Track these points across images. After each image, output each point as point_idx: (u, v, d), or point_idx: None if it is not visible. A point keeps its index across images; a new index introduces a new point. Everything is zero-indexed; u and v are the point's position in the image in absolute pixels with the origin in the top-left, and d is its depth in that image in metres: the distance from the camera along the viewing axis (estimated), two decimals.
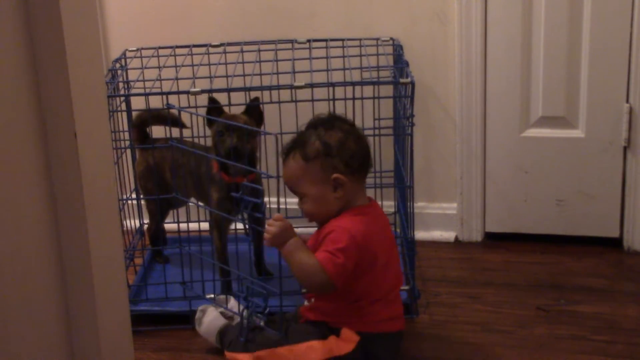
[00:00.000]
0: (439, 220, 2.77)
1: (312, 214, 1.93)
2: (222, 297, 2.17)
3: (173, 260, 2.55)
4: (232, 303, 2.14)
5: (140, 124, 2.41)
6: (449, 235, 2.77)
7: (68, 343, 1.27)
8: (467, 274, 2.54)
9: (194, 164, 2.32)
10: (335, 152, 1.88)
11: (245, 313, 1.98)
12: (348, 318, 1.90)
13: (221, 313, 2.12)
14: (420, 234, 2.67)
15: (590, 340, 2.14)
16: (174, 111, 2.24)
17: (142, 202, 2.60)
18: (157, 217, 2.48)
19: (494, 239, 2.74)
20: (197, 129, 2.32)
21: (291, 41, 2.56)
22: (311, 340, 1.88)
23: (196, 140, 2.39)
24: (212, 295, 2.24)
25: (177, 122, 2.31)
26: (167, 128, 2.38)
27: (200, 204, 2.37)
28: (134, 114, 2.45)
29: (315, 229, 1.96)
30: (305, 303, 1.99)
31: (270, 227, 1.85)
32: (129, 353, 1.44)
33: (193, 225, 2.44)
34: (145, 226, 2.65)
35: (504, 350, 2.11)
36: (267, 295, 1.95)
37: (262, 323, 2.00)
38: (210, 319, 2.11)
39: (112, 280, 1.35)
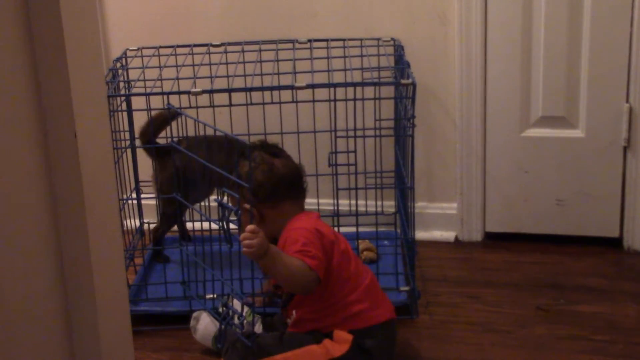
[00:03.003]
0: (439, 220, 2.77)
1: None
2: (225, 297, 2.17)
3: (173, 260, 2.55)
4: (236, 303, 2.14)
5: (144, 136, 2.40)
6: (449, 235, 2.77)
7: (68, 343, 1.27)
8: (467, 274, 2.54)
9: (224, 157, 2.20)
10: (245, 182, 1.91)
11: (227, 318, 1.99)
12: (334, 318, 1.91)
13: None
14: (420, 234, 2.67)
15: (590, 340, 2.14)
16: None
17: (158, 204, 2.55)
18: (171, 221, 2.49)
19: (494, 239, 2.74)
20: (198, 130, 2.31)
21: (292, 41, 2.56)
22: (308, 345, 1.89)
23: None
24: (213, 296, 2.24)
25: (175, 115, 2.29)
26: (169, 128, 2.38)
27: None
28: (137, 131, 2.43)
29: None
30: (287, 320, 2.00)
31: (251, 241, 1.77)
32: (129, 353, 1.44)
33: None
34: (145, 226, 2.65)
35: (504, 350, 2.11)
36: (252, 305, 1.96)
37: (258, 327, 1.99)
38: (204, 325, 2.11)
39: (112, 280, 1.35)
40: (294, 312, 1.97)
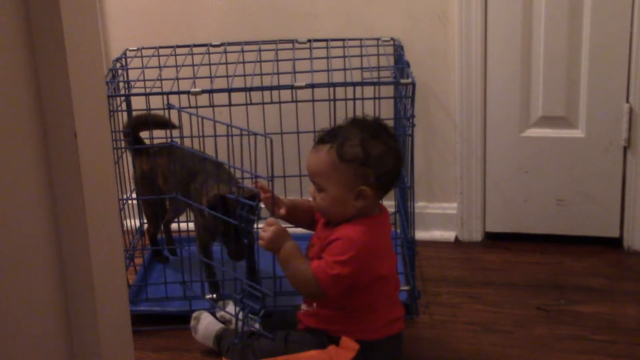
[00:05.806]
0: (439, 220, 2.77)
1: (325, 211, 1.89)
2: (222, 301, 2.17)
3: (173, 260, 2.55)
4: (231, 306, 2.14)
5: (134, 128, 2.40)
6: (449, 235, 2.77)
7: (68, 343, 1.27)
8: (467, 274, 2.54)
9: (185, 175, 2.27)
10: (372, 163, 1.84)
11: (240, 315, 1.97)
12: (348, 326, 1.89)
13: (218, 317, 2.12)
14: (420, 234, 2.67)
15: (590, 340, 2.14)
16: (163, 114, 2.25)
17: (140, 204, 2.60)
18: (154, 221, 2.49)
19: (494, 239, 2.74)
20: (196, 130, 2.31)
21: (292, 41, 2.56)
22: (311, 350, 1.88)
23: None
24: (212, 296, 2.23)
25: (167, 124, 2.31)
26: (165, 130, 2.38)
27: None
28: (127, 119, 2.45)
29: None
30: (303, 306, 1.97)
31: (264, 233, 1.85)
32: (129, 353, 1.44)
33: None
34: (146, 226, 2.64)
35: (504, 350, 2.11)
36: (264, 297, 1.94)
37: (257, 325, 1.98)
38: (205, 324, 2.11)
39: (112, 280, 1.35)
40: (314, 304, 1.94)
